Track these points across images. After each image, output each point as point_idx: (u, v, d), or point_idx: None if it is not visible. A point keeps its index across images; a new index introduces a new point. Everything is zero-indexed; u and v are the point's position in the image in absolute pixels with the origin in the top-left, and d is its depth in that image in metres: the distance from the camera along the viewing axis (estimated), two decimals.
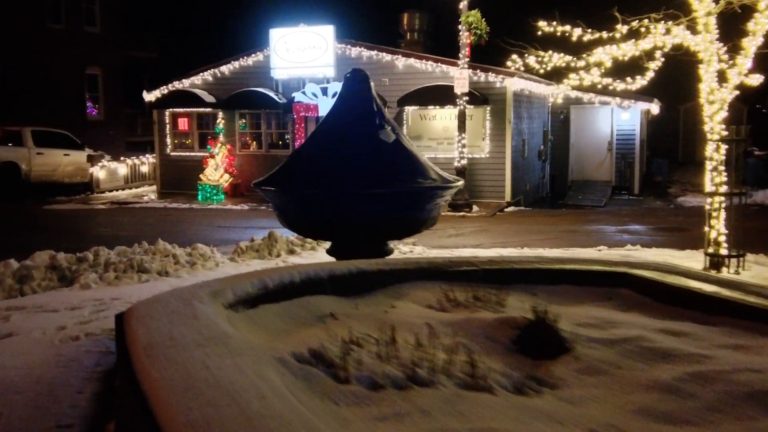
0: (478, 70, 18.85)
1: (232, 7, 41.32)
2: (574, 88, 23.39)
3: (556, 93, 21.38)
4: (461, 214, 17.44)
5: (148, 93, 22.46)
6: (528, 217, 17.26)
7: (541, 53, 9.68)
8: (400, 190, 4.94)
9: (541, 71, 9.73)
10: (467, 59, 17.52)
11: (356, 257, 5.35)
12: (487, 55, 19.06)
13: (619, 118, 24.17)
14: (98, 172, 23.18)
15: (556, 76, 10.60)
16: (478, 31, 16.96)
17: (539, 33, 8.92)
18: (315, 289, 3.71)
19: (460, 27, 17.41)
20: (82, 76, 31.38)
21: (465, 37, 17.34)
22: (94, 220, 17.31)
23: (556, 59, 9.27)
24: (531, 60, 9.82)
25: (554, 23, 8.84)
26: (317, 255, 10.16)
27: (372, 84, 6.21)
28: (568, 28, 8.79)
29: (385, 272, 3.92)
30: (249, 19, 39.32)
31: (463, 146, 17.87)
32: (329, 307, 3.46)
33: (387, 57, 19.95)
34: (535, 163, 22.56)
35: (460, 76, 17.44)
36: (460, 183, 5.22)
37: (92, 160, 23.27)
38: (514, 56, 10.07)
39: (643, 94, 23.49)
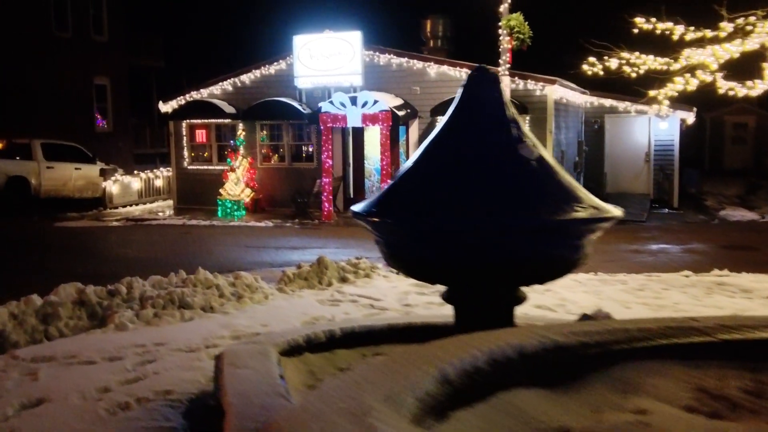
0: (516, 77, 17.74)
1: (244, 15, 40.35)
2: (607, 96, 22.17)
3: (655, 107, 20.29)
4: None
5: (164, 103, 21.37)
6: None
7: (625, 55, 8.55)
8: (554, 221, 3.79)
9: (633, 75, 8.57)
10: (508, 65, 16.40)
11: (484, 306, 4.20)
12: (523, 61, 17.96)
13: (656, 128, 23.02)
14: (111, 186, 22.05)
15: (647, 82, 9.43)
16: (521, 35, 15.86)
17: (635, 31, 7.78)
18: (506, 378, 2.56)
19: (500, 31, 16.30)
20: (90, 86, 30.30)
21: (506, 42, 16.23)
22: (110, 238, 16.17)
23: (651, 62, 8.12)
24: (613, 63, 8.69)
25: (653, 20, 7.71)
26: (374, 283, 9.01)
27: (502, 86, 5.13)
28: (670, 25, 7.66)
29: (590, 347, 2.78)
30: (262, 26, 38.38)
31: None
32: (547, 414, 2.32)
33: (418, 64, 18.85)
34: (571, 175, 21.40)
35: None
36: (619, 213, 4.07)
37: (105, 174, 22.15)
38: (591, 59, 8.95)
39: (677, 102, 22.43)
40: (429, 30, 24.55)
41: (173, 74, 37.26)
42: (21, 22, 26.20)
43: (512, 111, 4.42)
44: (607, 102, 22.19)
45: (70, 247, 14.52)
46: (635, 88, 27.24)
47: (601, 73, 9.08)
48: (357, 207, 4.39)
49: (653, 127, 23.13)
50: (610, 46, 8.44)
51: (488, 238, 3.78)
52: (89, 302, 7.15)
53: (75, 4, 29.18)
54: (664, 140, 23.24)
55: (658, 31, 7.76)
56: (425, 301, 7.96)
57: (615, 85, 25.37)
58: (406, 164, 4.42)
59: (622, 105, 22.17)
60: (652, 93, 8.72)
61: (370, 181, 20.50)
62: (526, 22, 15.94)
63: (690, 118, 23.45)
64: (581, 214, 3.95)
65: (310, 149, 20.33)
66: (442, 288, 8.32)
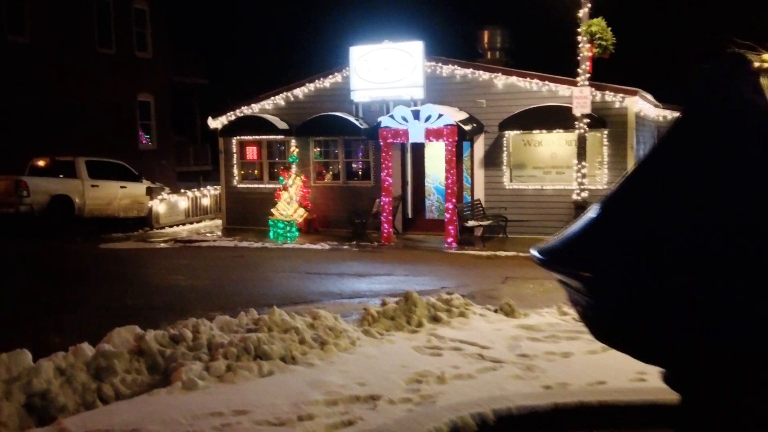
0: (593, 88, 16.33)
1: (292, 30, 39.55)
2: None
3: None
4: None
5: (214, 119, 20.42)
6: None
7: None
8: None
9: None
10: (588, 75, 15.05)
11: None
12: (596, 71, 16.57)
13: None
14: (158, 205, 21.13)
15: None
16: (603, 42, 14.55)
17: None
18: None
19: (579, 38, 14.99)
20: (133, 103, 29.67)
21: (586, 49, 14.90)
22: (159, 263, 15.12)
23: None
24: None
25: None
26: (472, 324, 7.71)
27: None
28: None
29: None
30: (310, 42, 37.54)
31: (584, 176, 15.34)
32: None
33: (484, 75, 17.58)
34: None
35: (580, 94, 14.98)
36: None
37: (151, 192, 21.24)
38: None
39: None
40: (486, 41, 23.31)
41: (216, 91, 36.57)
42: (64, 39, 25.61)
43: None
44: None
45: (117, 274, 13.47)
46: None
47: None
48: (543, 251, 3.11)
49: None
50: (754, 45, 7.10)
51: None
52: (149, 351, 5.98)
53: (119, 21, 28.62)
54: None
55: None
56: (544, 351, 6.64)
57: None
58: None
59: None
60: None
61: (430, 200, 19.23)
62: (609, 28, 14.61)
63: None
64: None
65: (367, 166, 19.15)
66: (560, 333, 6.89)
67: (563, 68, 17.49)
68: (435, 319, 7.80)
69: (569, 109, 16.06)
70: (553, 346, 6.86)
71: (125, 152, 26.26)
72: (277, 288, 11.40)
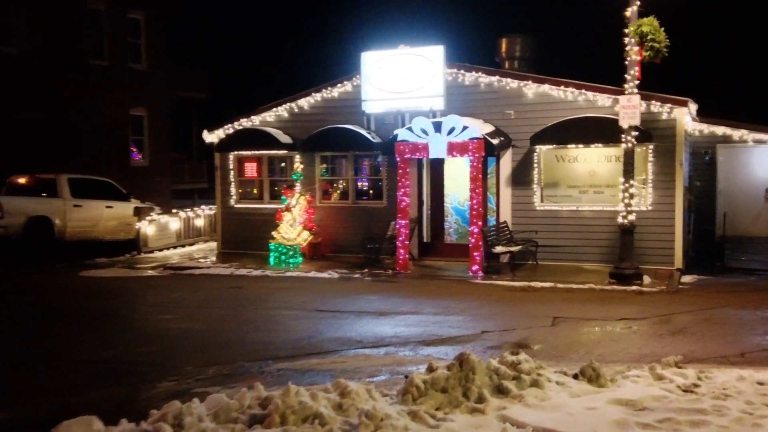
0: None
1: (296, 42, 37.71)
2: (719, 123, 18.69)
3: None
4: (633, 288, 12.94)
5: (210, 132, 18.53)
6: (726, 294, 12.61)
7: None
8: None
9: None
10: (637, 81, 13.20)
11: None
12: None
13: None
14: (146, 227, 19.19)
15: None
16: (656, 44, 12.72)
17: None
18: None
19: (626, 39, 13.16)
20: (126, 118, 27.79)
21: (634, 53, 13.06)
22: (144, 296, 13.17)
23: None
24: None
25: None
26: (551, 398, 5.77)
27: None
28: None
29: None
30: (316, 54, 35.77)
31: (631, 196, 13.45)
32: None
33: (512, 83, 15.74)
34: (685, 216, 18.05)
35: (628, 103, 13.12)
36: None
37: (139, 213, 19.31)
38: None
39: None
40: (505, 50, 21.58)
41: (217, 106, 34.71)
42: (54, 49, 23.76)
43: None
44: (720, 130, 18.75)
45: (96, 312, 11.50)
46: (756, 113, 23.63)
47: None
48: None
49: None
50: None
51: None
52: None
53: (112, 31, 26.79)
54: None
55: None
56: None
57: (725, 110, 22.07)
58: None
59: (737, 133, 18.75)
60: None
61: (448, 222, 17.33)
62: (662, 29, 12.79)
63: None
64: None
65: (379, 185, 17.26)
66: (676, 414, 5.04)
67: (591, 79, 15.70)
68: (500, 391, 5.87)
69: (610, 120, 14.26)
70: None
71: (117, 169, 24.42)
72: (285, 333, 9.44)
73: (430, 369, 6.03)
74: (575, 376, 6.29)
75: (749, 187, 19.94)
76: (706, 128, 18.84)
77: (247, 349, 8.43)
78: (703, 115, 17.71)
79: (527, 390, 5.91)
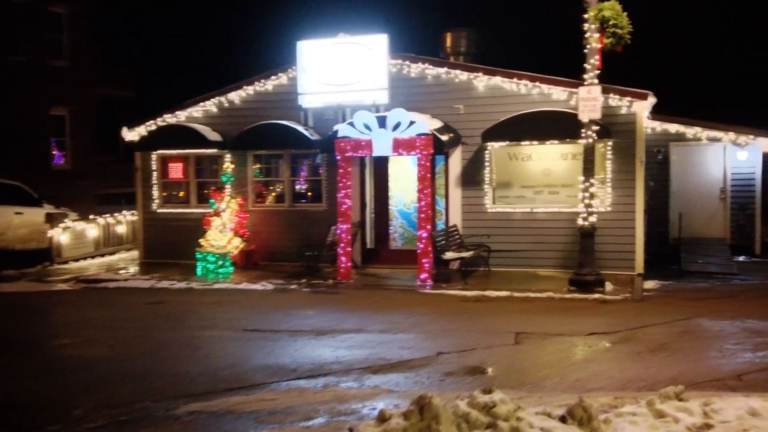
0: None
1: (225, 36, 35.80)
2: (673, 120, 17.83)
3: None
4: (596, 296, 11.86)
5: (130, 130, 16.82)
6: (695, 302, 11.63)
7: None
8: None
9: None
10: (597, 71, 12.15)
11: None
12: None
13: (734, 158, 18.89)
14: (60, 235, 17.31)
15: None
16: (618, 31, 11.70)
17: None
18: None
19: (586, 26, 12.10)
20: (45, 118, 25.69)
21: (595, 40, 12.01)
22: (50, 315, 11.47)
23: None
24: None
25: None
26: None
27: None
28: None
29: None
30: (252, 47, 34.02)
31: (592, 196, 12.40)
32: None
33: (462, 76, 14.57)
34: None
35: (588, 95, 12.05)
36: None
37: (52, 220, 17.43)
38: None
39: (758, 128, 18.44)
40: (449, 45, 20.36)
41: (146, 105, 32.61)
42: None
43: None
44: (673, 127, 17.99)
45: None
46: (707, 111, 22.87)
47: None
48: None
49: (730, 158, 19.01)
50: None
51: None
52: None
53: (30, 25, 24.67)
54: (743, 173, 19.07)
55: None
56: None
57: (677, 107, 21.36)
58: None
59: (690, 131, 18.00)
60: None
61: (393, 226, 16.05)
62: (625, 13, 11.77)
63: None
64: None
65: (318, 186, 15.86)
66: None
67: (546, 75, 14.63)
68: None
69: (566, 115, 13.23)
70: None
71: (37, 173, 22.44)
72: (204, 360, 7.95)
73: (382, 418, 4.67)
74: (562, 419, 5.02)
75: (703, 187, 19.23)
76: (659, 126, 18.06)
77: (154, 384, 6.92)
78: (654, 113, 16.86)
79: None
